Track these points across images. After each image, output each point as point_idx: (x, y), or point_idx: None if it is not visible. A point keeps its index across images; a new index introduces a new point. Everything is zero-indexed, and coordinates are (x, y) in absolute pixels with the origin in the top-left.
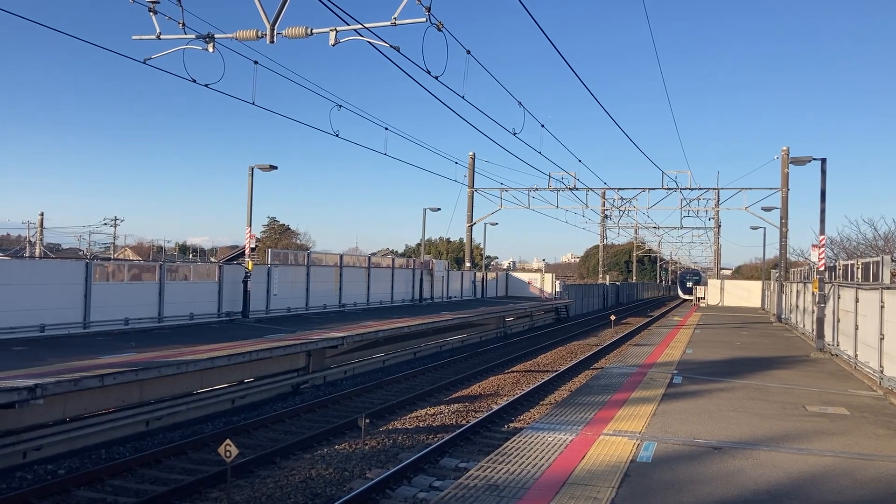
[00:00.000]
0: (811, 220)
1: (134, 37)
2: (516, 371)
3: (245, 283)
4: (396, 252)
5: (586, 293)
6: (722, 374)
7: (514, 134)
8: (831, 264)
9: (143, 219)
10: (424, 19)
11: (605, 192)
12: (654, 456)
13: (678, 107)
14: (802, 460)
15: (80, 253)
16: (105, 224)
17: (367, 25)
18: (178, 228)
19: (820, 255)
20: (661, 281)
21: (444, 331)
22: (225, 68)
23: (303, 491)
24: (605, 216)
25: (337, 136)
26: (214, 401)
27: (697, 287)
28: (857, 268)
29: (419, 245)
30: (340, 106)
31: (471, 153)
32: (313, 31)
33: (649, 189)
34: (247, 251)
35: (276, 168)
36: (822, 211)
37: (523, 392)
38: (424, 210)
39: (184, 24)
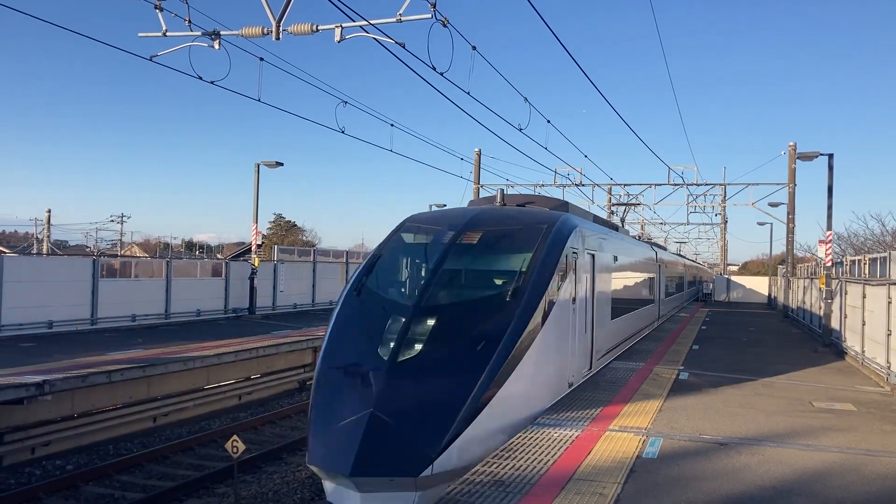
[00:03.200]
0: (818, 216)
1: (140, 34)
2: None
3: (251, 279)
4: None
5: None
6: (728, 370)
7: (520, 130)
8: (838, 260)
9: (150, 216)
10: (430, 15)
11: (611, 188)
12: (660, 452)
13: (684, 102)
14: (809, 456)
15: (88, 250)
16: (112, 221)
17: (372, 22)
18: (185, 225)
19: (827, 250)
20: None
21: None
22: (231, 65)
23: (309, 486)
24: (611, 212)
25: (343, 132)
26: (221, 397)
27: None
28: (865, 263)
29: None
30: (346, 102)
31: (477, 149)
32: (319, 27)
33: (655, 185)
34: (253, 248)
35: (281, 164)
36: (830, 206)
37: None
38: (430, 206)
39: (190, 22)
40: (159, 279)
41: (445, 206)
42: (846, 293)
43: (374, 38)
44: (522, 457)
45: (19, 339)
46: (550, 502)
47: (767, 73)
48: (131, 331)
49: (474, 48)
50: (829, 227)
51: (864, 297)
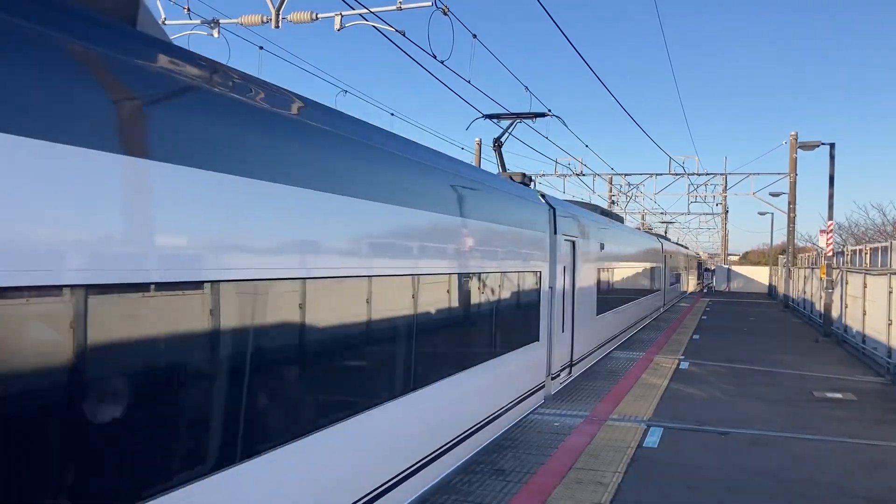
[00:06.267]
0: (819, 206)
1: None
2: None
3: None
4: None
5: None
6: (729, 360)
7: (521, 120)
8: (839, 250)
9: None
10: (430, 3)
11: (612, 178)
12: (661, 441)
13: (686, 92)
14: (808, 445)
15: None
16: None
17: (372, 10)
18: None
19: (828, 240)
20: None
21: None
22: (230, 53)
23: None
24: (612, 202)
25: None
26: None
27: None
28: (866, 253)
29: None
30: (346, 91)
31: (477, 139)
32: (318, 15)
33: (656, 175)
34: None
35: None
36: (831, 196)
37: None
38: None
39: (189, 10)
40: None
41: None
42: (847, 283)
43: (374, 27)
44: (523, 446)
45: None
46: (551, 491)
47: (769, 62)
48: None
49: (475, 36)
50: (830, 217)
51: (864, 286)
